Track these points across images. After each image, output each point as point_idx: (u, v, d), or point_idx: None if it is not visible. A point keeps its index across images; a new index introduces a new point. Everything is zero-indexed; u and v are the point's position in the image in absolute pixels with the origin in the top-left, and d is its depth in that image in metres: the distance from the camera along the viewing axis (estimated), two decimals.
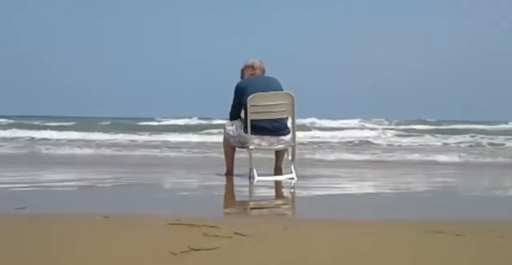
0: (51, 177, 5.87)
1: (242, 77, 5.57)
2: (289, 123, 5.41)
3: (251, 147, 5.20)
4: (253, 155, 5.30)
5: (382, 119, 26.22)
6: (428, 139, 15.19)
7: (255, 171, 5.21)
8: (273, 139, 5.28)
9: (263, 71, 5.55)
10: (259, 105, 5.19)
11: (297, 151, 5.48)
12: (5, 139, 13.76)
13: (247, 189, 4.97)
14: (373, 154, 9.76)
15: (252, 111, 5.18)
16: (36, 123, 22.01)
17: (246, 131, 5.24)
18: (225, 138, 5.55)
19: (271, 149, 5.47)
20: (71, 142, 12.72)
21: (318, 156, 9.16)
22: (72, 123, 23.23)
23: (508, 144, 13.20)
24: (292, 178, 5.23)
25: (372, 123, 23.94)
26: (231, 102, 5.44)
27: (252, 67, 5.52)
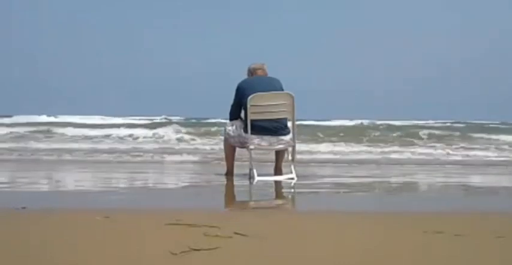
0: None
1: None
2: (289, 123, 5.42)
3: (251, 147, 5.20)
4: (253, 155, 5.30)
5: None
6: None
7: (255, 171, 5.22)
8: (273, 139, 5.28)
9: (266, 73, 5.56)
10: (259, 105, 5.19)
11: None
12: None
13: (247, 189, 4.97)
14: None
15: (252, 111, 5.18)
16: None
17: (246, 131, 5.24)
18: (225, 138, 5.56)
19: (271, 149, 5.47)
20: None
21: None
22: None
23: None
24: (292, 178, 5.23)
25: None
26: (231, 102, 5.45)
27: (254, 70, 5.53)
